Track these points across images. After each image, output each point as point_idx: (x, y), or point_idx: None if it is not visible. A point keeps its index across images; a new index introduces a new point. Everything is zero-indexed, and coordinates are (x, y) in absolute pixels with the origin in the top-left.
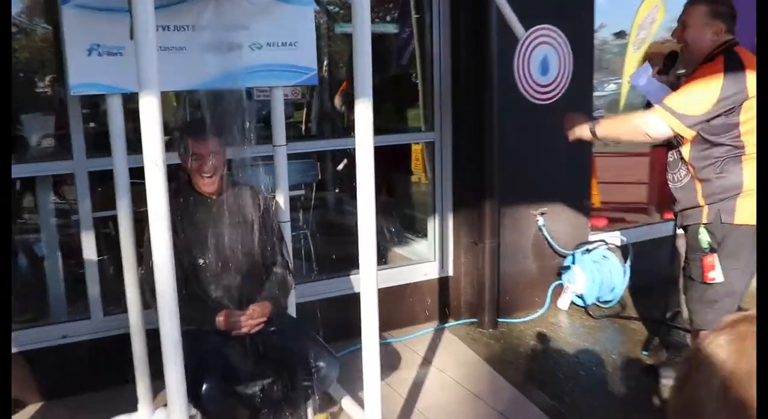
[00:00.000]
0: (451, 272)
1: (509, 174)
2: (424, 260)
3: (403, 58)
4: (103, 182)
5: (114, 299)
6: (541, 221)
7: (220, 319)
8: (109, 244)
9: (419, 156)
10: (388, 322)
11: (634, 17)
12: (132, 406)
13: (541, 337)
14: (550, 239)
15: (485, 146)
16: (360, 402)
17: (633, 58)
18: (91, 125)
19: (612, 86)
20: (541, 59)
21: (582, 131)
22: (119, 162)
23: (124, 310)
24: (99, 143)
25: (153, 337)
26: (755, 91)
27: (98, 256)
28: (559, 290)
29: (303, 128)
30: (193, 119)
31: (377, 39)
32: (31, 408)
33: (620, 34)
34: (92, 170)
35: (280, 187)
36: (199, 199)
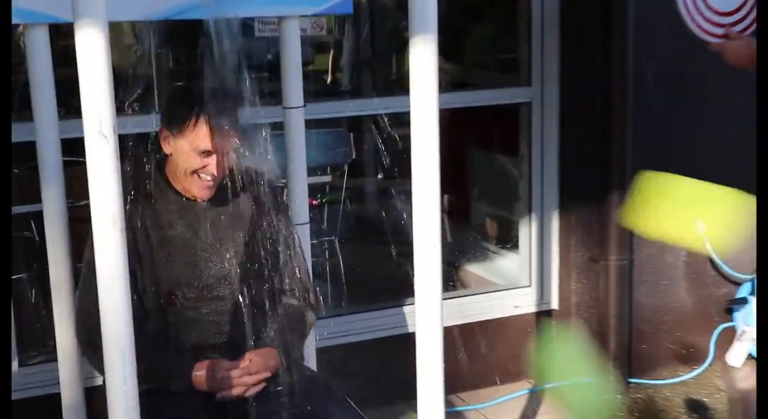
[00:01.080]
0: (555, 305)
1: (652, 152)
2: (514, 285)
3: None
4: (20, 161)
5: (35, 341)
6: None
7: (200, 374)
8: (29, 256)
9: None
10: (458, 380)
11: None
12: None
13: (701, 410)
14: (715, 256)
15: (612, 110)
16: None
17: None
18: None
19: None
20: None
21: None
22: (46, 130)
23: (52, 358)
24: (14, 101)
25: (93, 399)
26: None
27: (13, 274)
28: (729, 335)
29: (329, 80)
30: (203, 81)
31: None
32: None
33: None
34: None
35: (294, 171)
36: (180, 204)
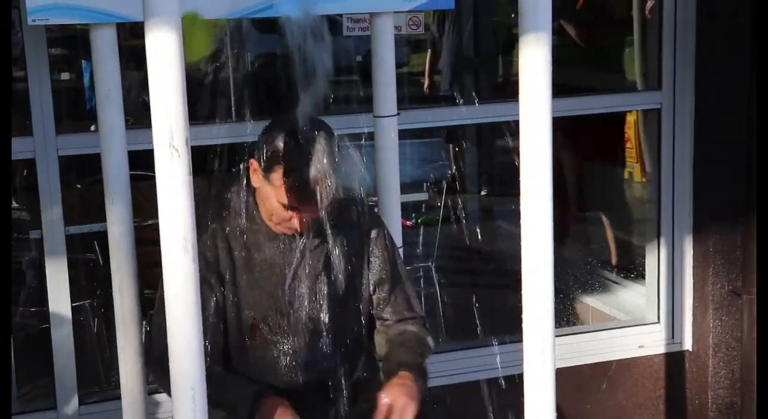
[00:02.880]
0: (688, 345)
1: None
2: (639, 321)
3: None
4: (82, 175)
5: (97, 377)
6: None
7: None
8: (91, 281)
9: (632, 135)
10: None
11: None
12: None
13: None
14: None
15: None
16: None
17: None
18: (63, 78)
19: None
20: None
21: None
22: (113, 141)
23: (116, 396)
24: (76, 110)
25: None
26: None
27: (72, 301)
28: None
29: (426, 84)
30: (296, 144)
31: None
32: None
33: None
34: (66, 154)
35: (385, 188)
36: (269, 235)
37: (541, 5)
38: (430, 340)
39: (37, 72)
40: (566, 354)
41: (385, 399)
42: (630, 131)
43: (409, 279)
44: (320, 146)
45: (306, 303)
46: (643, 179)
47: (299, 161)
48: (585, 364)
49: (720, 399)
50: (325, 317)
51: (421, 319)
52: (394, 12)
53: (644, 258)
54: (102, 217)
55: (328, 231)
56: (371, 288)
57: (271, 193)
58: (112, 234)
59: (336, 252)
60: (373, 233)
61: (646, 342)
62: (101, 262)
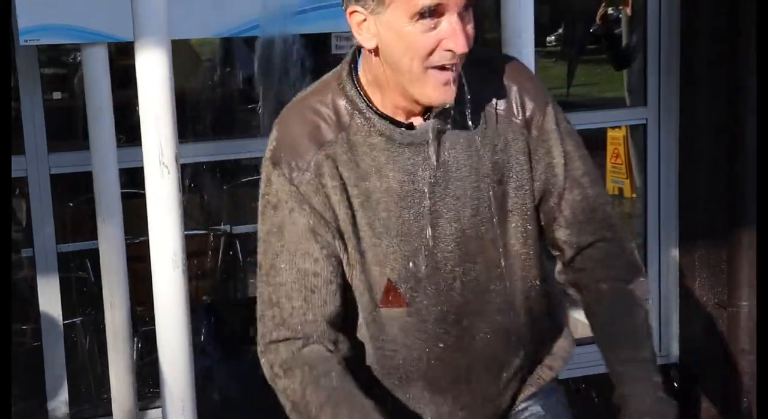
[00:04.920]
0: (675, 357)
1: None
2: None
3: None
4: (74, 193)
5: (88, 392)
6: None
7: None
8: (84, 298)
9: (620, 150)
10: None
11: None
12: None
13: None
14: None
15: (744, 132)
16: None
17: None
18: (55, 97)
19: None
20: None
21: None
22: (104, 159)
23: (107, 412)
24: (67, 129)
25: None
26: None
27: (64, 319)
28: None
29: None
30: None
31: None
32: None
33: None
34: (57, 173)
35: None
36: (387, 134)
37: (522, 22)
38: (641, 286)
39: (29, 91)
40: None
41: None
42: (620, 148)
43: (590, 169)
44: None
45: (456, 243)
46: (633, 195)
47: None
48: (577, 377)
49: (705, 410)
50: (486, 262)
51: (617, 236)
52: None
53: None
54: (94, 235)
55: (456, 124)
56: (537, 199)
57: (398, 14)
58: (104, 252)
59: (477, 154)
60: (527, 103)
61: None
62: (93, 279)
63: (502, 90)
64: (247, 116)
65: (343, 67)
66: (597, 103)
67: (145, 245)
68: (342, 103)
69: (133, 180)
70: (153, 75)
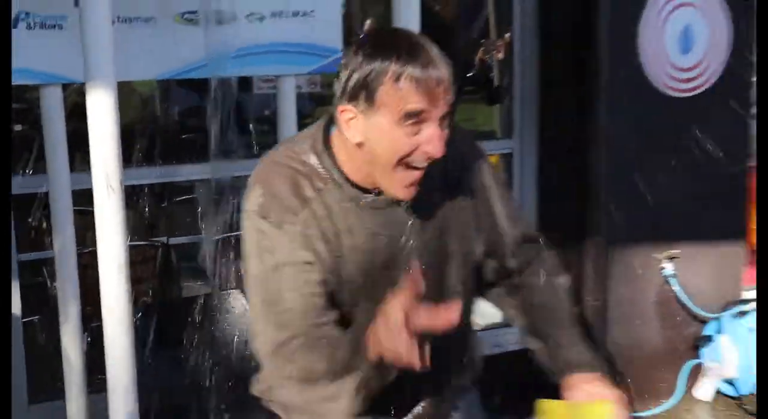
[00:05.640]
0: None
1: (624, 200)
2: (499, 325)
3: (471, 29)
4: (29, 212)
5: (45, 380)
6: (669, 269)
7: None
8: (38, 300)
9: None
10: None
11: None
12: None
13: None
14: (682, 296)
15: (589, 160)
16: None
17: None
18: (16, 128)
19: None
20: (680, 30)
21: None
22: (58, 182)
23: (61, 395)
24: (27, 155)
25: None
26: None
27: (23, 317)
28: (697, 372)
29: None
30: (394, 32)
31: (432, 1)
32: None
33: None
34: (19, 193)
35: None
36: (355, 199)
37: None
38: (562, 279)
39: None
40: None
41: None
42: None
43: (516, 203)
44: (418, 34)
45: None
46: None
47: (407, 46)
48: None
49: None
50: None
51: (539, 247)
52: (296, 75)
53: None
54: (50, 245)
55: (436, 190)
56: (480, 243)
57: (386, 120)
58: (58, 261)
59: (431, 215)
60: (470, 165)
61: (502, 342)
62: (49, 284)
63: (451, 159)
64: (182, 144)
65: (318, 133)
66: (475, 134)
67: (94, 254)
68: (318, 167)
69: (88, 199)
70: (101, 111)
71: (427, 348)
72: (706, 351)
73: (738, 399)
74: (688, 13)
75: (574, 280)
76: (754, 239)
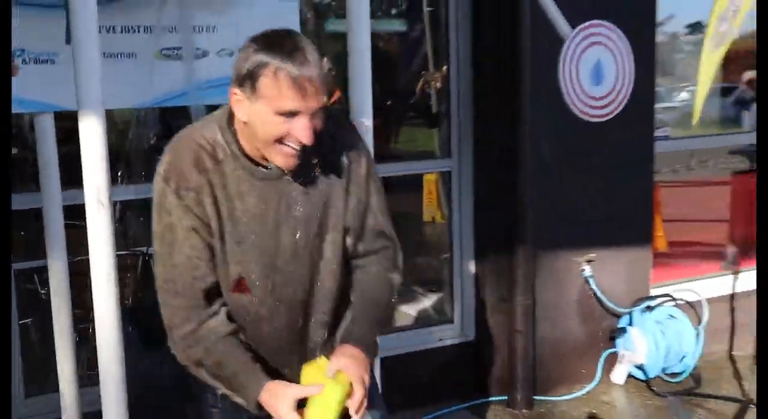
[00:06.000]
0: (473, 337)
1: (547, 211)
2: (440, 321)
3: (412, 64)
4: (24, 225)
5: (39, 375)
6: (588, 271)
7: (265, 397)
8: (33, 304)
9: (432, 189)
10: (391, 402)
11: (713, 5)
12: None
13: None
14: (600, 295)
15: (517, 177)
16: None
17: (711, 59)
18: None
19: (684, 95)
20: (593, 65)
21: None
22: (51, 198)
23: (55, 389)
24: (21, 175)
25: None
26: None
27: (20, 319)
28: (612, 359)
29: None
30: (277, 35)
31: (378, 39)
32: None
33: (695, 27)
34: (15, 209)
35: None
36: (249, 171)
37: (363, 91)
38: (395, 278)
39: None
40: (389, 346)
41: (337, 365)
42: (432, 187)
43: (384, 201)
44: (300, 35)
45: (288, 251)
46: (442, 221)
47: (286, 44)
48: (399, 354)
49: (495, 373)
50: (305, 263)
51: (392, 245)
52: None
53: (441, 276)
54: (43, 255)
55: (316, 166)
56: (348, 221)
57: (265, 109)
58: (51, 269)
59: (314, 189)
60: (353, 156)
61: (444, 336)
62: (42, 290)
63: (332, 149)
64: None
65: (223, 114)
66: (416, 155)
67: (86, 263)
68: (221, 142)
69: (78, 214)
70: (92, 135)
71: None
72: (620, 341)
73: (646, 382)
74: (598, 50)
75: (506, 282)
76: (658, 244)
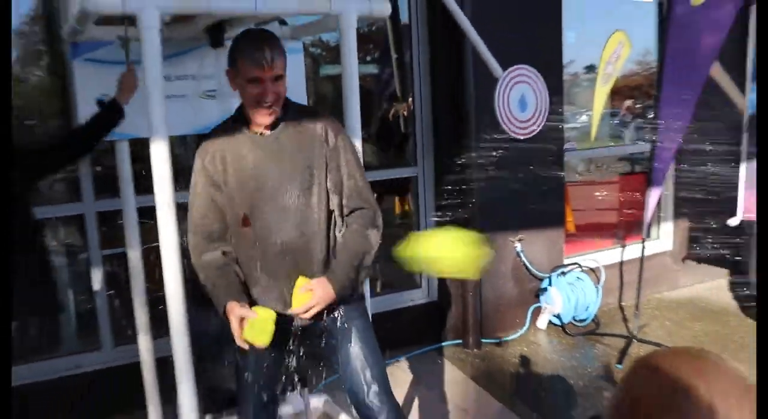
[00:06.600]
0: (436, 298)
1: (488, 204)
2: (411, 287)
3: (384, 95)
4: (108, 222)
5: (123, 331)
6: (519, 247)
7: (226, 311)
8: (115, 280)
9: (404, 201)
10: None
11: (602, 53)
12: None
13: (522, 355)
14: (527, 264)
15: (466, 178)
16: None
17: (602, 91)
18: (97, 168)
19: (584, 118)
20: (519, 97)
21: None
22: (128, 203)
23: (134, 340)
24: (105, 185)
25: (163, 365)
26: None
27: (107, 291)
28: (537, 311)
29: None
30: (246, 32)
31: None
32: None
33: (590, 69)
34: (100, 210)
35: None
36: (250, 137)
37: (353, 117)
38: (373, 234)
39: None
40: (375, 306)
41: (304, 287)
42: (404, 201)
43: (360, 170)
44: (264, 30)
45: (280, 196)
46: (411, 211)
47: (250, 36)
48: (384, 311)
49: (452, 324)
50: (294, 209)
51: (372, 212)
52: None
53: None
54: (123, 244)
55: (289, 136)
56: (329, 181)
57: (242, 81)
58: (130, 254)
59: (297, 150)
60: (329, 131)
61: (415, 297)
62: (122, 270)
63: (317, 123)
64: None
65: (240, 106)
66: (391, 164)
67: (153, 250)
68: (231, 121)
69: (146, 213)
70: (159, 155)
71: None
72: (542, 298)
73: (561, 326)
74: (523, 86)
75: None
76: (569, 227)
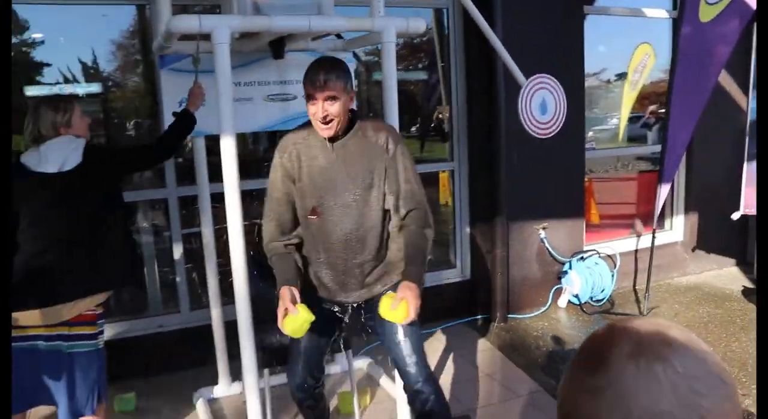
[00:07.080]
0: (469, 277)
1: (516, 196)
2: (447, 267)
3: (431, 99)
4: (187, 206)
5: (197, 297)
6: (543, 234)
7: (280, 294)
8: (192, 255)
9: (445, 182)
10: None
11: (629, 62)
12: (214, 381)
13: (543, 329)
14: (550, 249)
15: (496, 173)
16: (393, 378)
17: (630, 96)
18: (178, 160)
19: (614, 121)
20: (540, 102)
21: None
22: (203, 189)
23: (207, 306)
24: (185, 174)
25: (232, 327)
26: None
27: (186, 264)
28: (558, 291)
29: None
30: (317, 58)
31: (409, 84)
32: (135, 383)
33: (620, 76)
34: (181, 196)
35: None
36: (321, 142)
37: (391, 115)
38: (429, 233)
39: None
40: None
41: (400, 295)
42: (445, 180)
43: (416, 176)
44: (328, 57)
45: (344, 194)
46: (450, 203)
47: (316, 62)
48: (424, 288)
49: (482, 300)
50: (356, 203)
51: (423, 212)
52: None
53: (449, 237)
54: (197, 224)
55: (355, 143)
56: (387, 184)
57: (306, 100)
58: (203, 232)
59: (357, 158)
60: (390, 141)
61: (450, 276)
62: (197, 246)
63: (380, 133)
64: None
65: None
66: (434, 159)
67: (223, 230)
68: (308, 128)
69: (218, 198)
70: (228, 149)
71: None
72: (563, 279)
73: (580, 306)
74: (544, 92)
75: (490, 240)
76: (592, 218)
